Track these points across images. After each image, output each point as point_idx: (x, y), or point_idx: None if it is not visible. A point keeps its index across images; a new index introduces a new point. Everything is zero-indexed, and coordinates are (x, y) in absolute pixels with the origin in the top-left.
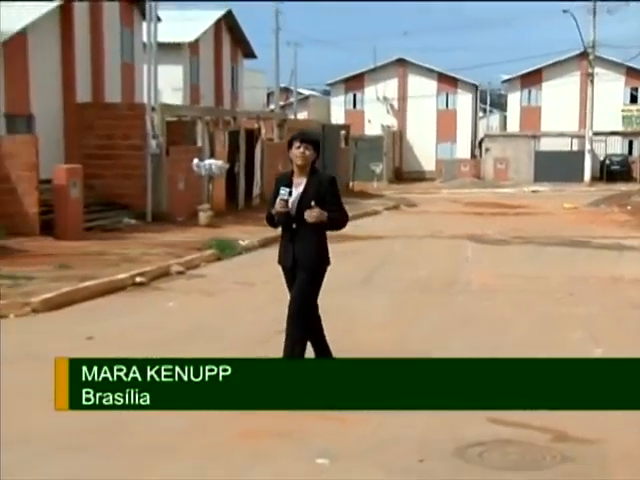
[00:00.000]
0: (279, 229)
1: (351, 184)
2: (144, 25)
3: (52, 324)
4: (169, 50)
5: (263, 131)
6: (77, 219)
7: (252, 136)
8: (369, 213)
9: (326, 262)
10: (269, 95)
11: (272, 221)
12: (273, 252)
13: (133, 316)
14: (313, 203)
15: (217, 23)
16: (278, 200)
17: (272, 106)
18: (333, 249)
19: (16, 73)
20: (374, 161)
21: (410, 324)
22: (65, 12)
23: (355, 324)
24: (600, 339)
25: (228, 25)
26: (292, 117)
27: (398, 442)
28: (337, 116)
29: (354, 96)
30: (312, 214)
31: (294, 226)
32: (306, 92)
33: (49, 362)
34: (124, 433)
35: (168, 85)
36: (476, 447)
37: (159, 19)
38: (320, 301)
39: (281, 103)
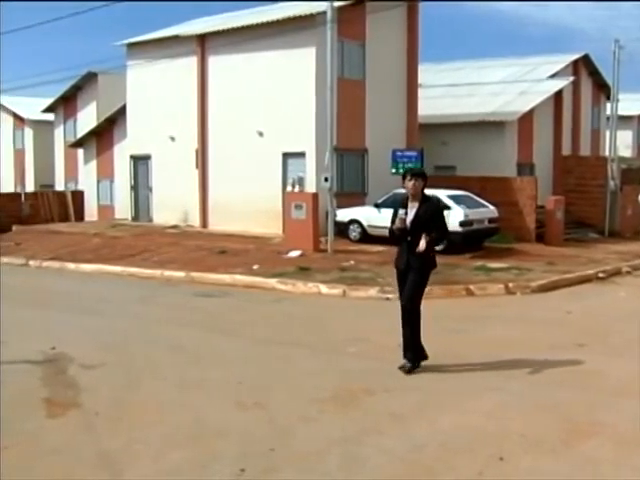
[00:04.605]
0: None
1: None
2: (607, 104)
3: (543, 301)
4: (622, 120)
5: None
6: (559, 233)
7: None
8: None
9: (432, 266)
10: None
11: (393, 235)
12: None
13: (597, 299)
14: (423, 243)
15: None
16: (398, 219)
17: None
18: None
19: (525, 137)
20: None
21: None
22: (556, 97)
23: None
24: None
25: None
26: None
27: None
28: None
29: None
30: (420, 248)
31: (409, 238)
32: None
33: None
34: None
35: (621, 143)
36: None
37: (617, 100)
38: None
39: None
